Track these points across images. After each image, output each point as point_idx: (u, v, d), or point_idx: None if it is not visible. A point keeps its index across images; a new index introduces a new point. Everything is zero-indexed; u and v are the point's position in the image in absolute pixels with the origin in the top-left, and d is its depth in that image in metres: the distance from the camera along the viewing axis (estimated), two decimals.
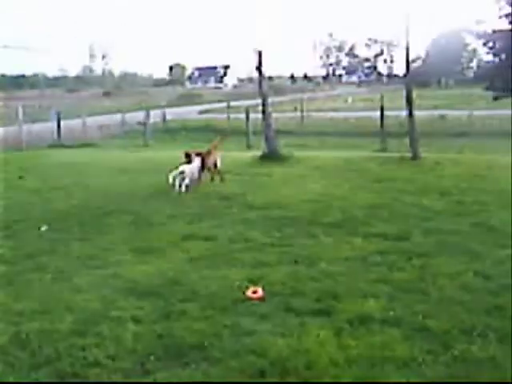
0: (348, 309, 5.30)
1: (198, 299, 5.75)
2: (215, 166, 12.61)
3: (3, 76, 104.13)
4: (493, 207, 9.25)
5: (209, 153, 12.53)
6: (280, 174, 13.19)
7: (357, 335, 4.76)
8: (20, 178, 14.38)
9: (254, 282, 6.08)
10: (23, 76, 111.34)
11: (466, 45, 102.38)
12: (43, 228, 9.01)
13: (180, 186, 11.41)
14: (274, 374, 4.24)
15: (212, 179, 12.59)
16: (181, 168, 11.61)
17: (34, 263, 7.30)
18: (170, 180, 11.51)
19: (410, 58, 17.07)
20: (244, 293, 5.78)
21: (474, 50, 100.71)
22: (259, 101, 17.19)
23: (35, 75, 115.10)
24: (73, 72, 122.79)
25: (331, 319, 5.12)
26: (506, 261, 6.50)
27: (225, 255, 7.25)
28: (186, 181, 11.49)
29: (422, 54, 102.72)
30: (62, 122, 25.09)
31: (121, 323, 5.22)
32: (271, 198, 10.55)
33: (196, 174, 12.10)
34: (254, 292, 5.76)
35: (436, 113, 29.88)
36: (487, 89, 29.47)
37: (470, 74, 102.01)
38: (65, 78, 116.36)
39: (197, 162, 12.16)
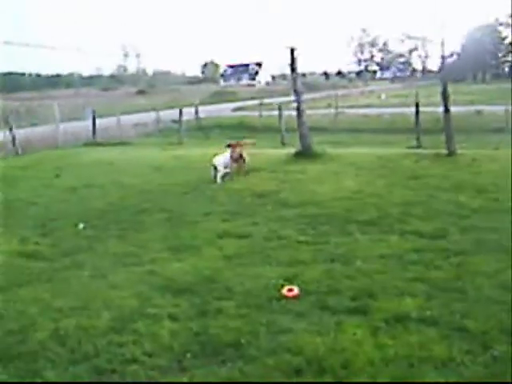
0: (384, 307, 5.26)
1: (233, 297, 5.77)
2: (242, 159, 13.05)
3: (39, 76, 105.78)
4: None
5: (236, 145, 13.03)
6: (314, 172, 13.14)
7: (394, 334, 4.72)
8: (56, 176, 14.59)
9: (289, 280, 6.08)
10: (58, 75, 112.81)
11: (503, 38, 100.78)
12: (81, 226, 9.13)
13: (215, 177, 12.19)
14: (310, 372, 4.24)
15: (243, 174, 12.90)
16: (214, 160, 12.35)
17: (72, 260, 7.42)
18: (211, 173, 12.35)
19: (445, 53, 16.85)
20: (279, 291, 5.78)
21: (511, 44, 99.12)
22: (292, 98, 17.14)
23: (70, 74, 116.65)
24: (107, 71, 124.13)
25: (367, 318, 5.09)
26: None
27: (260, 253, 7.26)
28: (224, 170, 12.28)
29: (457, 49, 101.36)
30: (97, 121, 25.34)
31: (157, 320, 5.27)
32: (306, 195, 10.52)
33: (229, 164, 12.71)
34: (290, 290, 5.75)
35: (472, 108, 29.41)
36: None
37: (507, 68, 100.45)
38: (99, 76, 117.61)
39: (228, 152, 12.76)
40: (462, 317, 4.98)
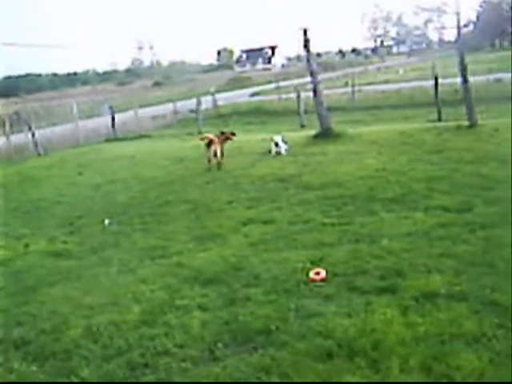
0: (413, 285, 5.23)
1: (261, 284, 5.79)
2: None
3: (55, 75, 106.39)
4: None
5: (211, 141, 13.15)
6: (335, 152, 13.07)
7: (423, 312, 4.68)
8: (79, 174, 14.71)
9: (316, 263, 6.07)
10: (75, 73, 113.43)
11: None
12: (106, 222, 9.20)
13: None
14: (341, 354, 4.23)
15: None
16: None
17: (100, 257, 7.50)
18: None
19: (461, 23, 16.59)
20: (306, 275, 5.77)
21: None
22: (309, 79, 17.04)
23: (86, 72, 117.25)
24: (122, 66, 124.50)
25: (396, 297, 5.06)
26: None
27: (285, 238, 7.26)
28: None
29: (473, 17, 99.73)
30: (115, 116, 25.45)
31: (187, 311, 5.30)
32: (328, 177, 10.48)
33: None
34: (317, 273, 5.74)
35: (491, 77, 28.98)
36: None
37: None
38: (115, 72, 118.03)
39: None
40: (491, 291, 4.92)
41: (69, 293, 6.25)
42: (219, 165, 12.83)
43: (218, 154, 12.88)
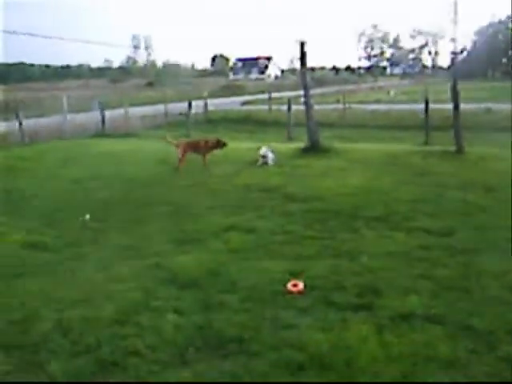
0: (390, 305, 5.21)
1: (237, 291, 5.73)
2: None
3: (48, 66, 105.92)
4: None
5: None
6: (321, 167, 13.07)
7: (398, 332, 4.66)
8: (62, 167, 14.58)
9: (295, 275, 6.03)
10: (68, 66, 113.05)
11: None
12: (87, 217, 9.11)
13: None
14: (312, 368, 4.19)
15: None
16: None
17: (76, 252, 7.41)
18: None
19: (456, 50, 16.71)
20: (284, 286, 5.74)
21: None
22: (301, 92, 17.07)
23: (79, 66, 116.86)
24: (116, 63, 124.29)
25: (372, 315, 5.04)
26: None
27: (265, 247, 7.23)
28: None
29: (468, 46, 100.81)
30: (105, 113, 25.31)
31: (161, 314, 5.24)
32: (312, 190, 10.47)
33: None
34: (295, 285, 5.71)
35: (482, 106, 29.22)
36: None
37: None
38: (109, 68, 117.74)
39: None
40: (468, 316, 4.92)
41: (42, 285, 6.15)
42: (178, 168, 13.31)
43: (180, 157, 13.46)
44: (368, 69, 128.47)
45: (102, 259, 7.03)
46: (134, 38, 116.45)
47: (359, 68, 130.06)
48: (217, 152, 13.99)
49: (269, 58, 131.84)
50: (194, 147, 13.87)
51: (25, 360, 4.54)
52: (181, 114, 27.58)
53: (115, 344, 4.69)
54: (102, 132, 24.35)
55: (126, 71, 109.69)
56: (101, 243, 7.82)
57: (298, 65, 17.24)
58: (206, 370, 4.25)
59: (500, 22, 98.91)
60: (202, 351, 4.54)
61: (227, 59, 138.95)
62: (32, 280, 6.39)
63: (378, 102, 41.27)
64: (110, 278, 6.29)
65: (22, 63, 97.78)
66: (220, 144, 13.95)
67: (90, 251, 7.40)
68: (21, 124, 21.42)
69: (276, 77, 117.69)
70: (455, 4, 15.34)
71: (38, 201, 10.77)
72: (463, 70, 66.16)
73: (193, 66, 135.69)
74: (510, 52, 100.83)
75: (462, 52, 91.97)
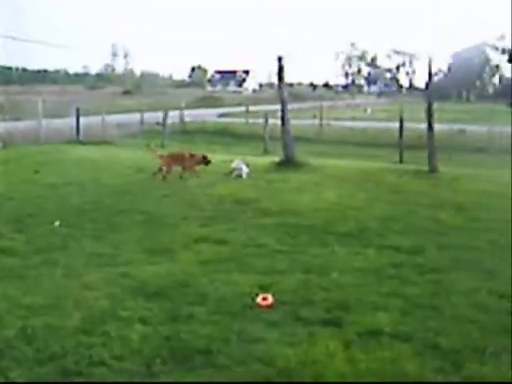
0: (358, 321, 5.22)
1: (206, 303, 5.70)
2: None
3: (25, 70, 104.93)
4: (510, 225, 9.08)
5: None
6: (296, 181, 13.12)
7: (366, 349, 4.67)
8: (36, 172, 14.42)
9: (264, 289, 6.01)
10: (45, 71, 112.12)
11: (489, 60, 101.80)
12: (56, 223, 9.01)
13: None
14: (280, 383, 4.17)
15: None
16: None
17: (45, 258, 7.30)
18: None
19: (432, 71, 16.92)
20: (253, 299, 5.72)
21: (497, 66, 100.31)
22: (278, 106, 17.14)
23: (57, 71, 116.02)
24: (94, 70, 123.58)
25: (341, 331, 5.04)
26: None
27: (236, 260, 7.19)
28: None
29: (444, 68, 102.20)
30: (81, 119, 25.13)
31: (128, 323, 5.18)
32: (286, 204, 10.49)
33: None
34: (264, 299, 5.69)
35: (455, 127, 29.60)
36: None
37: (491, 89, 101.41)
38: (86, 75, 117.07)
39: None
40: (435, 334, 4.95)
41: (8, 291, 6.05)
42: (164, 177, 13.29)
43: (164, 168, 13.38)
44: (345, 86, 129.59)
45: (71, 266, 6.93)
46: (113, 45, 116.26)
47: (336, 85, 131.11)
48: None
49: (247, 72, 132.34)
50: (179, 160, 13.69)
51: None
52: (158, 123, 27.54)
53: (81, 353, 4.61)
54: (78, 138, 24.17)
55: (104, 78, 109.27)
56: (71, 250, 7.71)
57: (275, 79, 17.32)
58: (172, 382, 4.21)
59: (475, 46, 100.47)
60: (169, 363, 4.49)
61: (205, 71, 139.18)
62: None
63: (354, 119, 41.61)
64: (78, 286, 6.20)
65: None
66: (205, 161, 13.82)
67: (60, 258, 7.28)
68: None
69: (254, 90, 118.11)
70: (433, 25, 15.53)
71: (10, 205, 10.62)
72: (438, 91, 66.97)
73: (171, 76, 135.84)
74: (484, 75, 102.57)
75: (437, 73, 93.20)
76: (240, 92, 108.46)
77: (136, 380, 4.26)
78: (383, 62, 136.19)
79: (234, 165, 13.78)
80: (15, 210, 10.21)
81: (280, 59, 16.22)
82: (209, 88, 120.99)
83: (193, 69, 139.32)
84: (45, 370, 4.36)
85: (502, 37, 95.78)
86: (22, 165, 16.08)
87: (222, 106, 59.36)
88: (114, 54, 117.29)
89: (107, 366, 4.43)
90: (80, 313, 5.42)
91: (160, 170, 13.36)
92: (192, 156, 13.77)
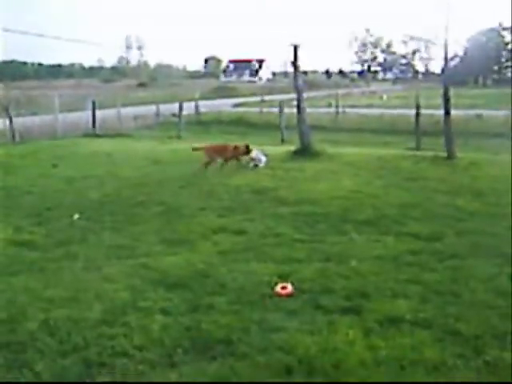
0: (378, 308, 5.22)
1: (226, 293, 5.73)
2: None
3: (40, 65, 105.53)
4: None
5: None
6: (313, 170, 13.10)
7: (386, 336, 4.67)
8: (54, 166, 14.53)
9: (283, 278, 6.03)
10: (60, 65, 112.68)
11: (506, 43, 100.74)
12: (75, 216, 9.09)
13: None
14: (300, 371, 4.19)
15: None
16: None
17: (65, 251, 7.37)
18: None
19: (448, 56, 16.78)
20: (273, 288, 5.74)
21: None
22: (293, 95, 17.10)
23: (72, 65, 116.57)
24: (109, 63, 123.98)
25: (360, 318, 5.04)
26: None
27: (255, 249, 7.21)
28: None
29: (460, 52, 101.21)
30: (97, 112, 25.26)
31: (149, 314, 5.22)
32: (303, 193, 10.48)
33: None
34: (283, 288, 5.71)
35: (472, 112, 29.35)
36: None
37: (509, 73, 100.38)
38: (101, 68, 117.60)
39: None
40: (455, 320, 4.94)
41: (30, 284, 6.12)
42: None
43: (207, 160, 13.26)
44: (360, 73, 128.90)
45: (91, 259, 6.99)
46: (127, 38, 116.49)
47: (351, 72, 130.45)
48: None
49: (261, 61, 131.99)
50: (221, 152, 13.61)
51: (10, 359, 4.51)
52: (173, 115, 27.59)
53: (103, 344, 4.66)
54: (94, 132, 24.31)
55: (119, 71, 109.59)
56: (90, 242, 7.78)
57: (290, 68, 17.30)
58: (193, 371, 4.24)
59: (492, 29, 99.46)
60: (190, 353, 4.53)
61: (219, 61, 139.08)
62: (20, 278, 6.35)
63: (370, 106, 41.42)
64: (98, 278, 6.26)
65: (13, 61, 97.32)
66: (247, 150, 13.74)
67: (80, 250, 7.35)
68: (11, 122, 21.34)
69: (268, 79, 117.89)
70: (448, 9, 15.36)
71: (29, 199, 10.72)
72: (455, 76, 66.42)
73: (185, 67, 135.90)
74: (501, 59, 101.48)
75: (453, 58, 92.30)
76: (254, 82, 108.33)
77: (157, 370, 4.30)
78: (398, 48, 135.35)
79: (252, 155, 13.74)
80: (34, 203, 10.31)
81: (295, 48, 16.15)
82: (223, 78, 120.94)
83: (207, 59, 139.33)
84: (68, 362, 4.42)
85: None
86: (40, 159, 16.21)
87: (236, 96, 59.35)
88: (128, 47, 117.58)
89: (129, 357, 4.47)
90: (101, 304, 5.47)
91: (208, 162, 13.19)
92: (236, 147, 13.73)
